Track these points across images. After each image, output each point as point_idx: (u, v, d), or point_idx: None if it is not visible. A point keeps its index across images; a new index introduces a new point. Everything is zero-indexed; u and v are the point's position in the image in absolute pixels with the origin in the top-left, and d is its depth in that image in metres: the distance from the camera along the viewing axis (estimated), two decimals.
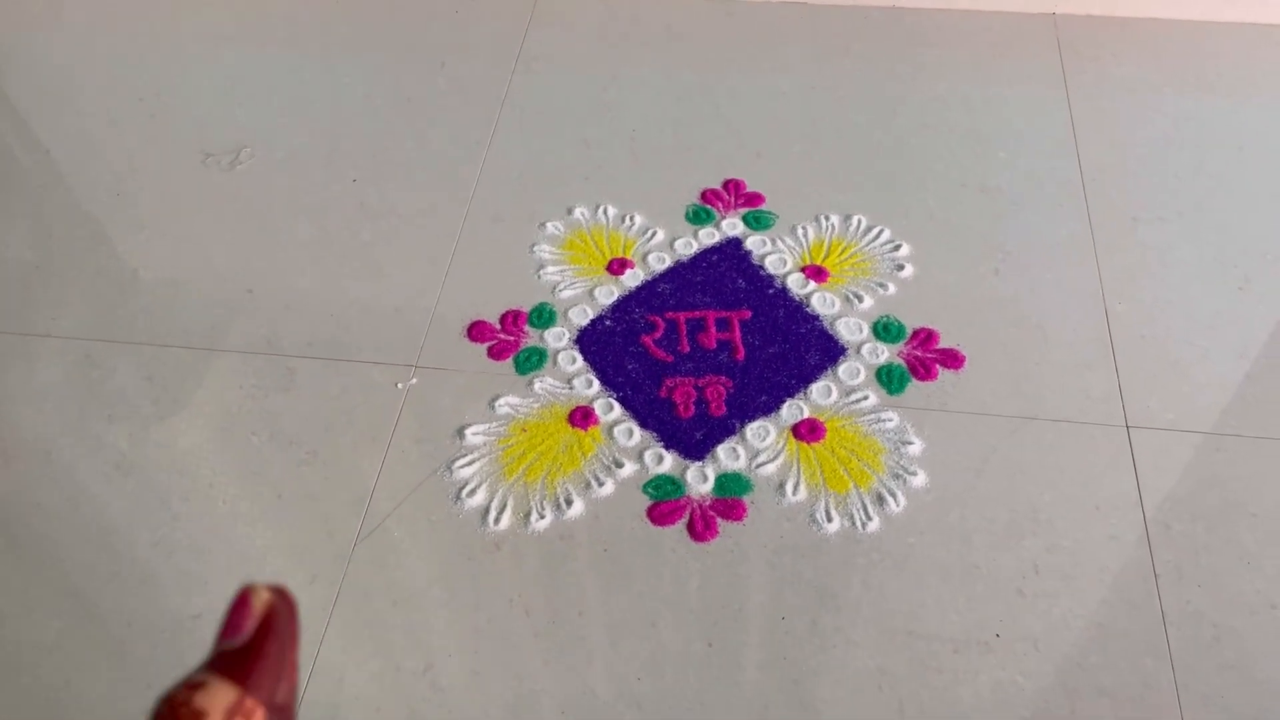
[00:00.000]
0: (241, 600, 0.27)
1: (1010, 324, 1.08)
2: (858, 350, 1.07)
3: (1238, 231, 1.16)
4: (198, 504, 0.98)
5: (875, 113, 1.31)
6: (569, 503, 0.96)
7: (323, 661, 0.88)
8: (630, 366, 1.06)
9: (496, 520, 0.95)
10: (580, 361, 1.07)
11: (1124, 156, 1.24)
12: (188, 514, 0.98)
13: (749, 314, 1.11)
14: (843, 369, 1.05)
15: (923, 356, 1.06)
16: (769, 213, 1.20)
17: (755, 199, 1.22)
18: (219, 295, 1.15)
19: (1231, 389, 1.03)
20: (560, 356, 1.07)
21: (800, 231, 1.18)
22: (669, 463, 0.99)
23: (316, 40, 1.47)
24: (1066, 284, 1.12)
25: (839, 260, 1.15)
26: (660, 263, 1.16)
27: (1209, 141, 1.26)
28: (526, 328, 1.10)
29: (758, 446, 1.00)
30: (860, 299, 1.11)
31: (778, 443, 1.00)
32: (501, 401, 1.04)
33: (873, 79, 1.36)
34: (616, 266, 1.15)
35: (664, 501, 0.96)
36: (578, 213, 1.21)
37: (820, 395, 1.03)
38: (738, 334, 1.09)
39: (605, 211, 1.21)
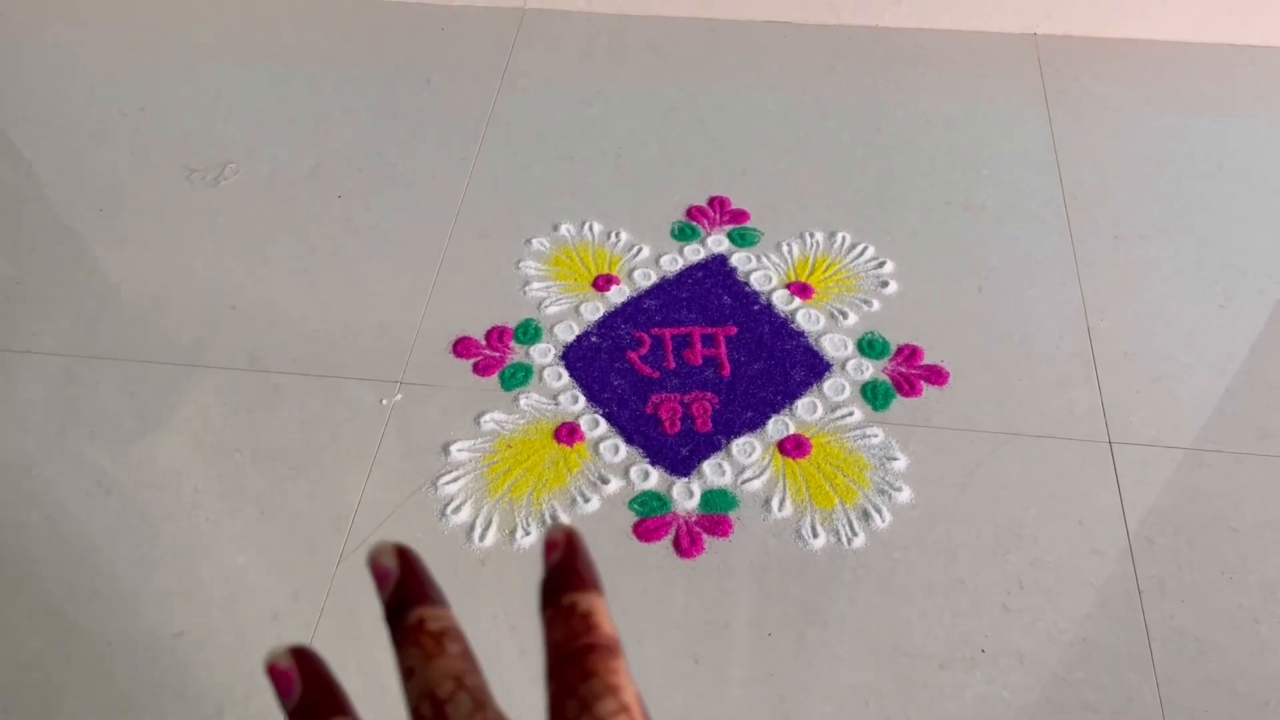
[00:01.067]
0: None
1: (994, 340, 1.09)
2: (843, 366, 1.07)
3: (1218, 248, 1.17)
4: (179, 521, 0.97)
5: (859, 130, 1.32)
6: (554, 519, 0.96)
7: None
8: (616, 382, 1.06)
9: (481, 537, 0.95)
10: (566, 377, 1.07)
11: (1105, 174, 1.26)
12: (169, 531, 0.97)
13: (734, 330, 1.11)
14: (828, 385, 1.06)
15: (907, 373, 1.06)
16: (754, 229, 1.21)
17: (740, 216, 1.22)
18: (202, 311, 1.15)
19: (1213, 405, 1.04)
20: (546, 372, 1.07)
21: (785, 248, 1.18)
22: (655, 479, 0.99)
23: (302, 56, 1.47)
24: (1049, 301, 1.12)
25: (823, 277, 1.16)
26: (646, 279, 1.16)
27: (1188, 159, 1.27)
28: (512, 344, 1.10)
29: (743, 462, 1.00)
30: (845, 315, 1.12)
31: (763, 459, 1.00)
32: (487, 418, 1.03)
33: (856, 97, 1.37)
34: (602, 283, 1.16)
35: (650, 518, 0.96)
36: (563, 229, 1.22)
37: (805, 411, 1.04)
38: (723, 350, 1.09)
39: (591, 228, 1.21)
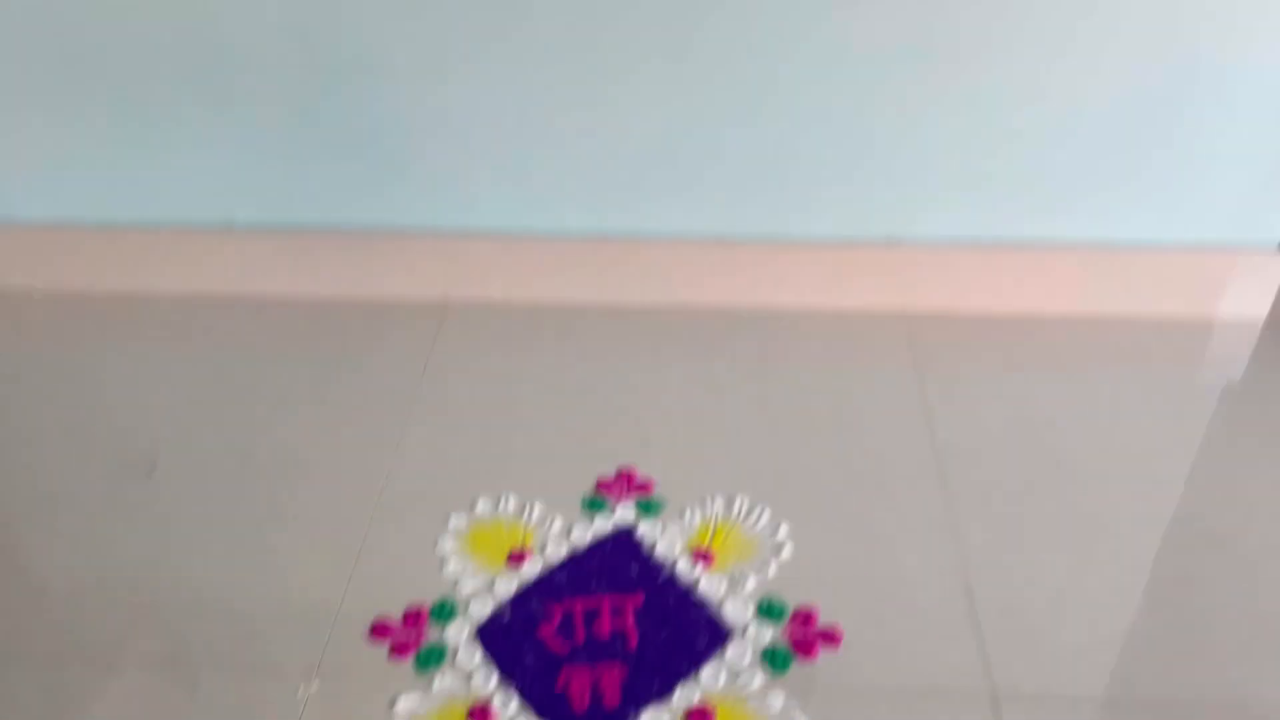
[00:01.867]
0: None
1: (881, 600, 1.16)
2: (743, 632, 1.13)
3: (1085, 501, 1.28)
4: None
5: (750, 403, 1.44)
6: None
7: None
8: (528, 659, 1.10)
9: None
10: (480, 656, 1.11)
11: (975, 438, 1.38)
12: None
13: (641, 599, 1.17)
14: (730, 651, 1.11)
15: (804, 636, 1.12)
16: (658, 500, 1.29)
17: (645, 487, 1.31)
18: (125, 607, 1.17)
19: (1093, 654, 1.11)
20: (460, 653, 1.11)
21: (687, 516, 1.27)
22: None
23: (233, 351, 1.57)
24: (929, 560, 1.21)
25: (724, 543, 1.23)
26: (558, 553, 1.23)
27: (1049, 420, 1.40)
28: (428, 624, 1.14)
29: None
30: (745, 581, 1.18)
31: None
32: (401, 703, 1.06)
33: (746, 373, 1.50)
34: (516, 558, 1.22)
35: None
36: (480, 507, 1.29)
37: (710, 679, 1.08)
38: (630, 620, 1.14)
39: (507, 504, 1.29)
